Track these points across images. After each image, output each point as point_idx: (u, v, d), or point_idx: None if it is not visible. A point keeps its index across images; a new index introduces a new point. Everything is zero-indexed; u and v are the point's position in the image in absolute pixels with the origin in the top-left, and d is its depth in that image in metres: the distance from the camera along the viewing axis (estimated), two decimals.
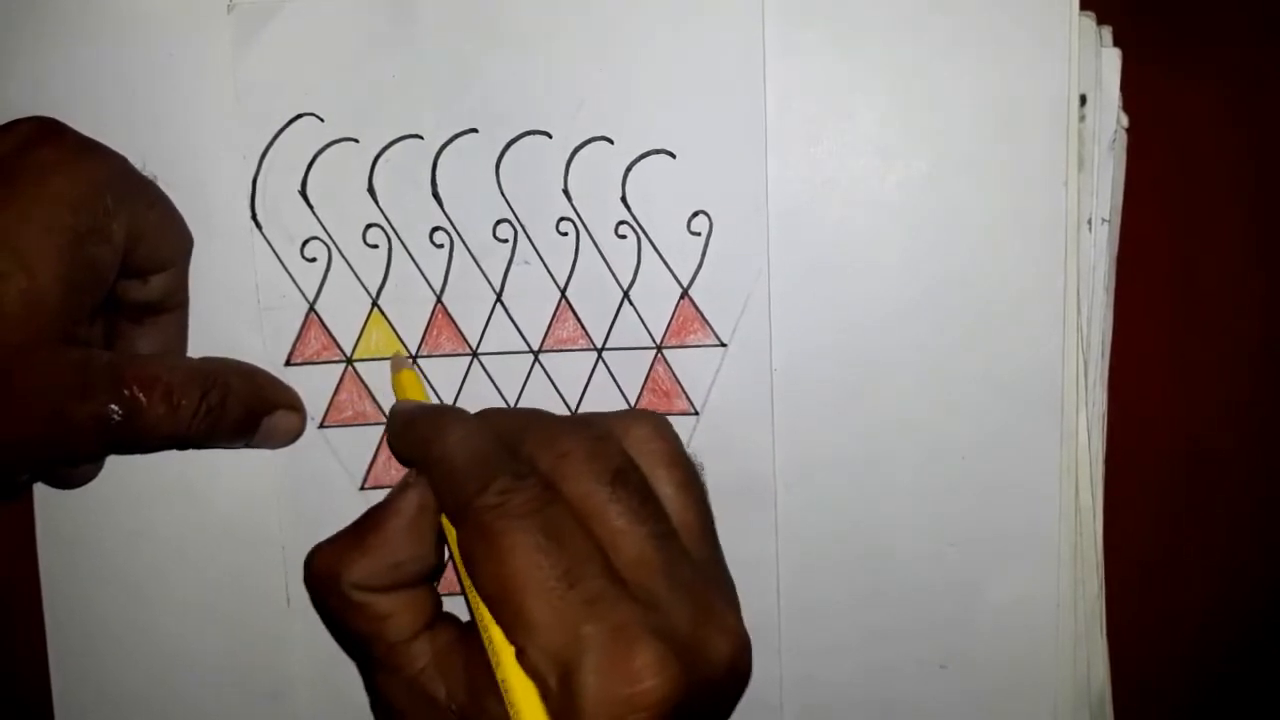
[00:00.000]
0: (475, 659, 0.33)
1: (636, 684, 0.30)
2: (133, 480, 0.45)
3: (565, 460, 0.34)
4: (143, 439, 0.39)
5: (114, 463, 0.44)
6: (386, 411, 0.44)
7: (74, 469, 0.44)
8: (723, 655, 0.33)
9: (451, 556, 0.35)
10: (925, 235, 0.43)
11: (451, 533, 0.34)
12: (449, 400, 0.44)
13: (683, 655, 0.31)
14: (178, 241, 0.42)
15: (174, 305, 0.43)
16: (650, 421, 0.36)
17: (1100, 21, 0.42)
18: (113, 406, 0.37)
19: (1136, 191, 0.43)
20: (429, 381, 0.44)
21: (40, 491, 0.45)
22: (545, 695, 0.31)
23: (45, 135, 0.39)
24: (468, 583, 0.33)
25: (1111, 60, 0.43)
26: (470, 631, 0.34)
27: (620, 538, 0.33)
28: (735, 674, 0.34)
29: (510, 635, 0.32)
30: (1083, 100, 0.42)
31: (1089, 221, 0.43)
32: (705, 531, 0.36)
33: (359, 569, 0.35)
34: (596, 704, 0.30)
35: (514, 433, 0.36)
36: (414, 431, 0.37)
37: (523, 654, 0.31)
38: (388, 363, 0.44)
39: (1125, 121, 0.43)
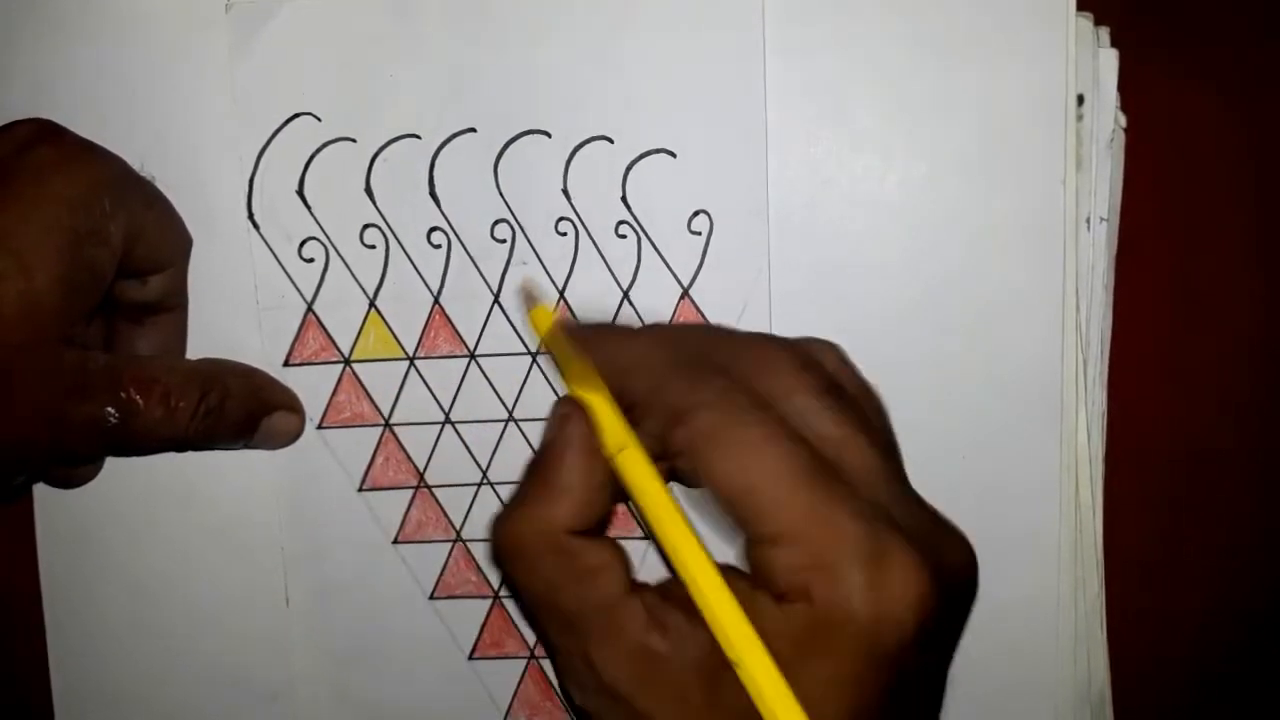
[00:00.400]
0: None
1: (905, 578, 0.29)
2: (132, 481, 0.45)
3: (773, 372, 0.32)
4: (140, 441, 0.39)
5: (114, 463, 0.44)
6: (376, 414, 0.44)
7: (73, 470, 0.43)
8: (960, 562, 0.32)
9: (627, 495, 0.33)
10: (924, 235, 0.43)
11: (626, 454, 0.32)
12: (445, 404, 0.44)
13: (930, 559, 0.30)
14: (176, 242, 0.42)
15: (173, 306, 0.43)
16: (835, 349, 0.35)
17: (1098, 22, 0.42)
18: (110, 409, 0.37)
19: (1135, 191, 0.43)
20: (426, 382, 0.44)
21: (40, 492, 0.45)
22: (795, 600, 0.29)
23: (43, 136, 0.38)
24: (656, 504, 0.31)
25: (1109, 60, 0.43)
26: (676, 589, 0.32)
27: (843, 449, 0.31)
28: (971, 583, 0.33)
29: (759, 531, 0.30)
30: (1080, 100, 0.42)
31: (1087, 220, 0.43)
32: (897, 454, 0.35)
33: (565, 511, 0.32)
34: (867, 603, 0.29)
35: (711, 343, 0.34)
36: (600, 337, 0.36)
37: (773, 548, 0.30)
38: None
39: (1123, 121, 0.43)
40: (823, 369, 0.33)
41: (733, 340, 0.35)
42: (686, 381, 0.32)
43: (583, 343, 0.35)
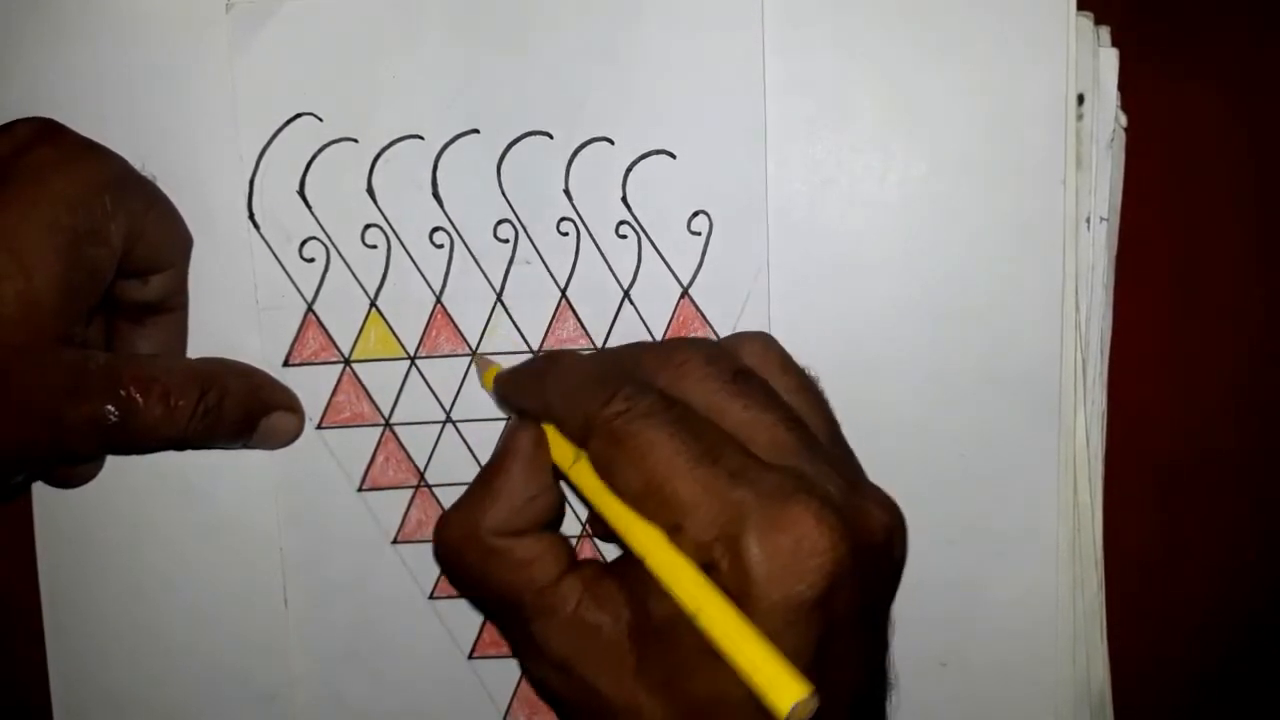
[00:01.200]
0: (630, 577, 0.33)
1: (802, 534, 0.30)
2: (131, 481, 0.45)
3: (683, 369, 0.34)
4: (140, 440, 0.39)
5: (113, 463, 0.44)
6: (376, 414, 0.44)
7: (73, 469, 0.43)
8: (880, 522, 0.33)
9: (579, 495, 0.35)
10: (924, 234, 0.43)
11: (577, 466, 0.34)
12: (446, 404, 0.44)
13: (841, 513, 0.31)
14: (177, 242, 0.42)
15: (174, 306, 0.43)
16: (760, 337, 0.37)
17: (1098, 21, 0.42)
18: (109, 408, 0.37)
19: (1135, 190, 0.43)
20: (427, 382, 0.44)
21: (39, 492, 0.45)
22: (712, 571, 0.31)
23: (44, 136, 0.38)
24: (603, 505, 0.33)
25: (1109, 60, 0.43)
26: (614, 567, 0.35)
27: (751, 428, 0.33)
28: (893, 547, 0.34)
29: (666, 523, 0.32)
30: (1080, 100, 0.42)
31: (1087, 220, 0.43)
32: (834, 432, 0.36)
33: (494, 514, 0.35)
34: (766, 564, 0.30)
35: (625, 358, 0.36)
36: (523, 375, 0.38)
37: (680, 533, 0.31)
38: (472, 367, 0.45)
39: (1124, 121, 0.43)
40: (730, 359, 0.35)
41: (648, 347, 0.37)
42: (596, 395, 0.34)
43: (517, 382, 0.39)
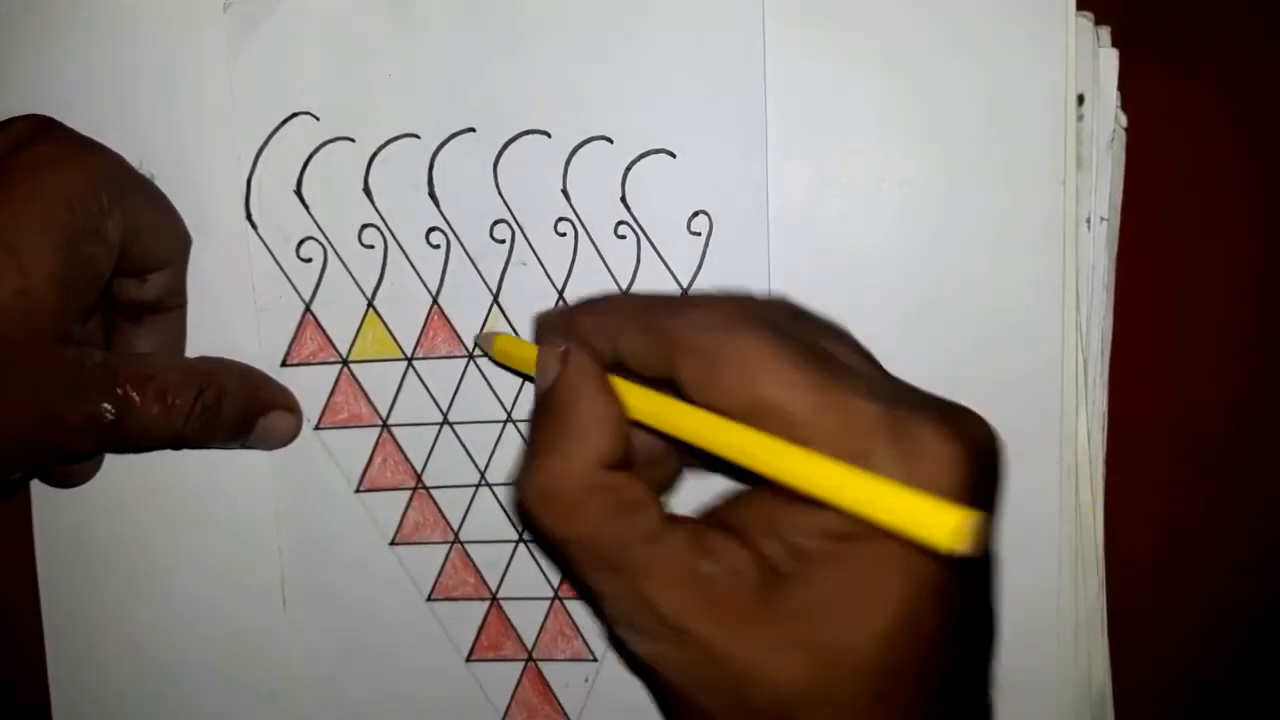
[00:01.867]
0: (742, 521, 0.31)
1: (935, 447, 0.29)
2: (130, 481, 0.45)
3: (747, 305, 0.33)
4: (136, 439, 0.38)
5: (111, 463, 0.44)
6: (374, 415, 0.44)
7: (72, 469, 0.43)
8: (984, 434, 0.31)
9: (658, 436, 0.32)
10: (924, 235, 0.43)
11: (643, 403, 0.32)
12: (444, 405, 0.44)
13: (954, 427, 0.30)
14: (175, 241, 0.42)
15: (172, 305, 0.43)
16: (783, 298, 0.36)
17: (1098, 22, 0.42)
18: (106, 406, 0.37)
19: (1135, 190, 0.43)
20: (424, 383, 0.44)
21: (39, 492, 0.45)
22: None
23: (41, 133, 0.38)
24: (700, 424, 0.31)
25: (1109, 60, 0.43)
26: (715, 517, 0.32)
27: (833, 349, 0.32)
28: (996, 454, 0.32)
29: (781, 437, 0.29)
30: (1081, 100, 0.42)
31: (1088, 220, 0.43)
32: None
33: (595, 446, 0.32)
34: (899, 478, 0.28)
35: (658, 297, 0.35)
36: (579, 311, 0.36)
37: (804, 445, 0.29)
38: (464, 356, 0.44)
39: (1124, 121, 0.43)
40: (783, 303, 0.34)
41: (701, 295, 0.36)
42: (674, 313, 0.32)
43: (567, 323, 0.36)
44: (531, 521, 0.33)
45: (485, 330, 0.44)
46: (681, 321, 0.31)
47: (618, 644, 0.34)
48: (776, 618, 0.30)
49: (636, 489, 0.32)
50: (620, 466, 0.32)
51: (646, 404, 0.32)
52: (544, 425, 0.33)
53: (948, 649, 0.31)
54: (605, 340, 0.34)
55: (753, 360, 0.30)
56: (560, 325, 0.37)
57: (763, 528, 0.31)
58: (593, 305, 0.36)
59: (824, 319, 0.35)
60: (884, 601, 0.29)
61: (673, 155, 0.43)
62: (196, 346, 0.44)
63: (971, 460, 0.29)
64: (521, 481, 0.33)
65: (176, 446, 0.40)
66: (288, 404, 0.44)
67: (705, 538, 0.31)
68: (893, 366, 0.43)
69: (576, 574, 0.33)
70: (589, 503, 0.31)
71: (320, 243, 0.44)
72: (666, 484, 0.38)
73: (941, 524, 0.27)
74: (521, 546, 0.45)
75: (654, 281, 0.43)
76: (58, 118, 0.40)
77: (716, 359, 0.30)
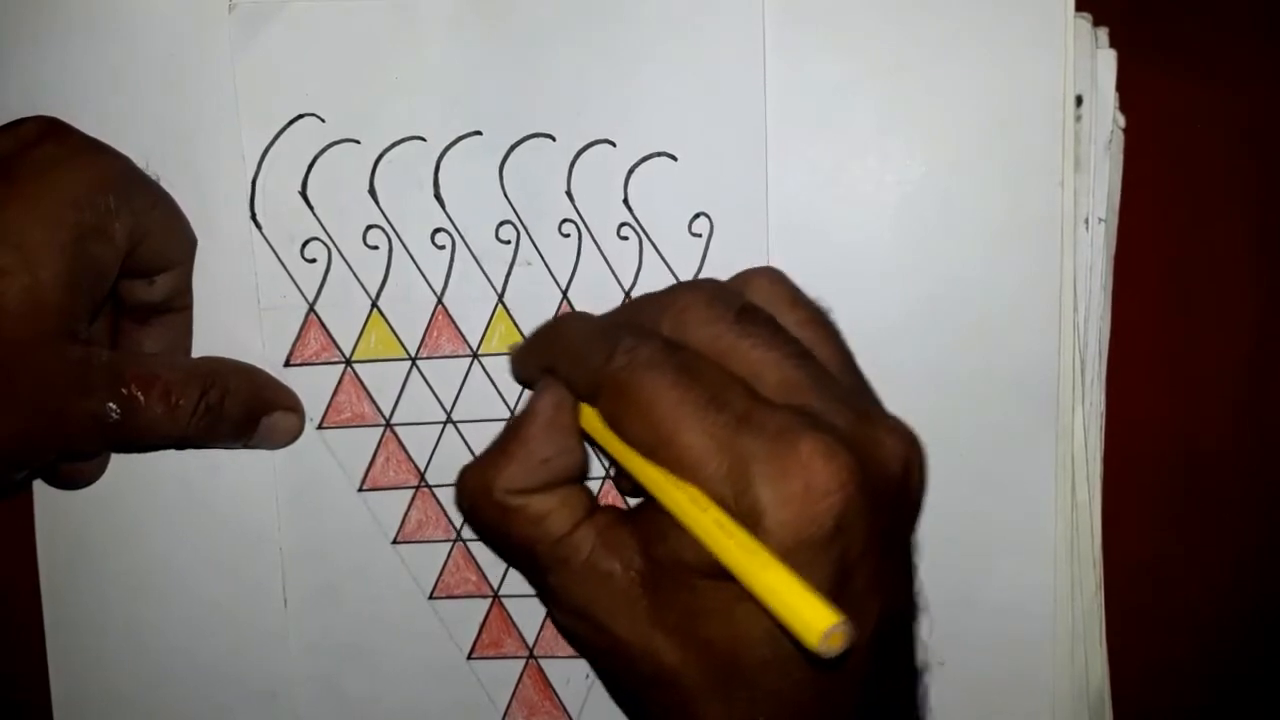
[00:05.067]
0: (643, 523, 0.33)
1: (810, 476, 0.30)
2: (132, 481, 0.45)
3: (686, 312, 0.34)
4: (141, 438, 0.39)
5: (114, 463, 0.44)
6: (377, 414, 0.45)
7: (78, 469, 0.43)
8: (895, 453, 0.32)
9: (598, 451, 0.35)
10: (923, 235, 0.43)
11: (594, 425, 0.34)
12: (447, 404, 0.44)
13: (851, 448, 0.30)
14: (181, 242, 0.42)
15: (179, 306, 0.43)
16: (767, 272, 0.37)
17: (1096, 22, 0.43)
18: (111, 405, 0.37)
19: (1134, 191, 0.44)
20: (428, 382, 0.44)
21: (40, 491, 0.45)
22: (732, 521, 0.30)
23: (49, 133, 0.39)
24: (622, 454, 0.33)
25: (1108, 61, 0.43)
26: (629, 514, 0.35)
27: (759, 367, 0.33)
28: (910, 477, 0.33)
29: (680, 475, 0.31)
30: (1079, 101, 0.42)
31: (1086, 221, 0.43)
32: (846, 362, 0.36)
33: (507, 474, 0.35)
34: (777, 510, 0.30)
35: (630, 310, 0.36)
36: (535, 342, 0.39)
37: (697, 486, 0.31)
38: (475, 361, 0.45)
39: (1122, 122, 0.43)
40: (733, 298, 0.35)
41: (656, 296, 0.36)
42: (599, 350, 0.33)
43: (527, 350, 0.39)
44: (459, 511, 0.37)
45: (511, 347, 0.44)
46: (601, 361, 0.33)
47: (549, 614, 0.39)
48: (660, 608, 0.33)
49: (542, 505, 0.35)
50: (545, 486, 0.35)
51: (589, 424, 0.35)
52: (496, 439, 0.36)
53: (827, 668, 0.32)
54: (550, 371, 0.36)
55: (651, 407, 0.31)
56: (519, 357, 0.40)
57: (657, 534, 0.32)
58: (540, 338, 0.39)
59: (792, 305, 0.36)
60: (754, 620, 0.31)
61: (674, 158, 0.43)
62: (201, 346, 0.44)
63: (852, 485, 0.30)
64: (458, 477, 0.36)
65: (180, 446, 0.41)
66: (291, 404, 0.44)
67: (612, 534, 0.34)
68: (891, 366, 0.43)
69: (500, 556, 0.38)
70: (493, 515, 0.35)
71: (325, 243, 0.44)
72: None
73: (810, 622, 0.28)
74: None
75: (656, 282, 0.43)
76: (64, 118, 0.40)
77: (624, 400, 0.32)
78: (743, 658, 0.32)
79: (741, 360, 0.33)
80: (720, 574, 0.30)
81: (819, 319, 0.36)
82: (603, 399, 0.33)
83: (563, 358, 0.35)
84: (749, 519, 0.30)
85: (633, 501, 0.39)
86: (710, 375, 0.32)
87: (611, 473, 0.44)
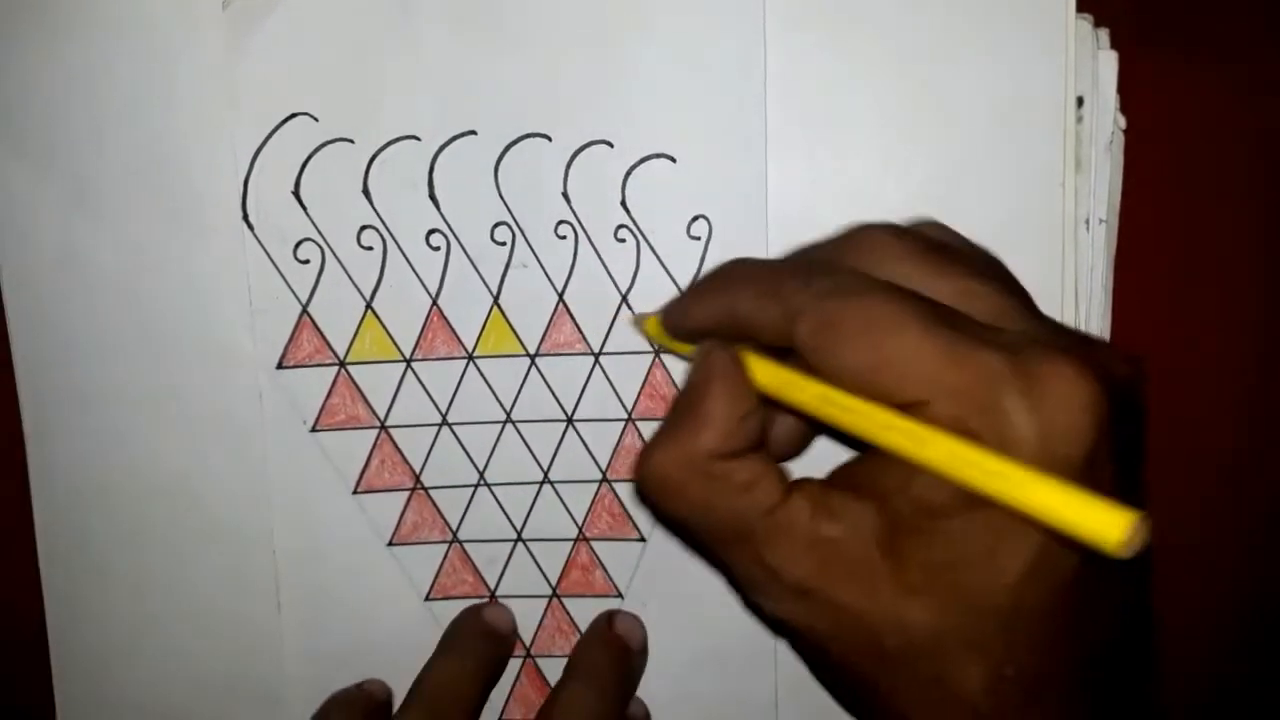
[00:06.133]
0: (863, 481, 0.31)
1: (1067, 392, 0.28)
2: (130, 484, 0.45)
3: (875, 249, 0.32)
4: None
5: (112, 464, 0.44)
6: (371, 416, 0.44)
7: None
8: (1124, 371, 0.30)
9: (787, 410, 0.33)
10: None
11: (772, 375, 0.32)
12: (443, 405, 0.44)
13: (1090, 365, 0.29)
14: None
15: None
16: (935, 223, 0.36)
17: (1097, 23, 0.42)
18: None
19: (1135, 192, 0.43)
20: (423, 384, 0.44)
21: (39, 492, 0.45)
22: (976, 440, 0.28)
23: None
24: (821, 401, 0.31)
25: (1109, 62, 0.42)
26: (839, 477, 0.33)
27: (965, 300, 0.31)
28: (1139, 387, 0.31)
29: (905, 400, 0.29)
30: (1080, 102, 0.42)
31: (1086, 222, 0.43)
32: (1031, 301, 0.34)
33: (709, 438, 0.32)
34: (1035, 428, 0.28)
35: (805, 251, 0.35)
36: (702, 287, 0.36)
37: (925, 410, 0.29)
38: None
39: (1123, 123, 0.43)
40: (920, 235, 0.33)
41: (826, 239, 0.35)
42: (794, 281, 0.31)
43: (694, 301, 0.36)
44: (647, 499, 0.34)
45: (639, 313, 0.43)
46: (798, 288, 0.31)
47: (752, 605, 0.35)
48: (904, 569, 0.30)
49: (749, 471, 0.32)
50: (746, 450, 0.33)
51: (771, 379, 0.33)
52: (672, 412, 0.34)
53: (1083, 599, 0.30)
54: (725, 311, 0.34)
55: (871, 323, 0.30)
56: (683, 305, 0.37)
57: (891, 485, 0.30)
58: (714, 279, 0.36)
59: (968, 247, 0.35)
60: (1015, 553, 0.29)
61: (673, 160, 0.43)
62: (192, 349, 0.44)
63: (1104, 400, 0.28)
64: (641, 461, 0.34)
65: None
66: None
67: (829, 500, 0.31)
68: None
69: (701, 547, 0.35)
70: (696, 487, 0.32)
71: (318, 244, 0.43)
72: (800, 447, 0.38)
73: (1109, 523, 0.26)
74: (520, 545, 0.45)
75: (653, 285, 0.43)
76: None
77: (837, 323, 0.30)
78: (1003, 605, 0.29)
79: (946, 293, 0.31)
80: (975, 505, 0.28)
81: (999, 261, 0.35)
82: (805, 326, 0.31)
83: (745, 294, 0.33)
84: (999, 435, 0.28)
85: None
86: (929, 301, 0.30)
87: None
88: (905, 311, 0.29)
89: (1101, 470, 0.29)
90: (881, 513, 0.31)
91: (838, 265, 0.32)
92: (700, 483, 0.32)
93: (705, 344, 0.34)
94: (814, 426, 0.37)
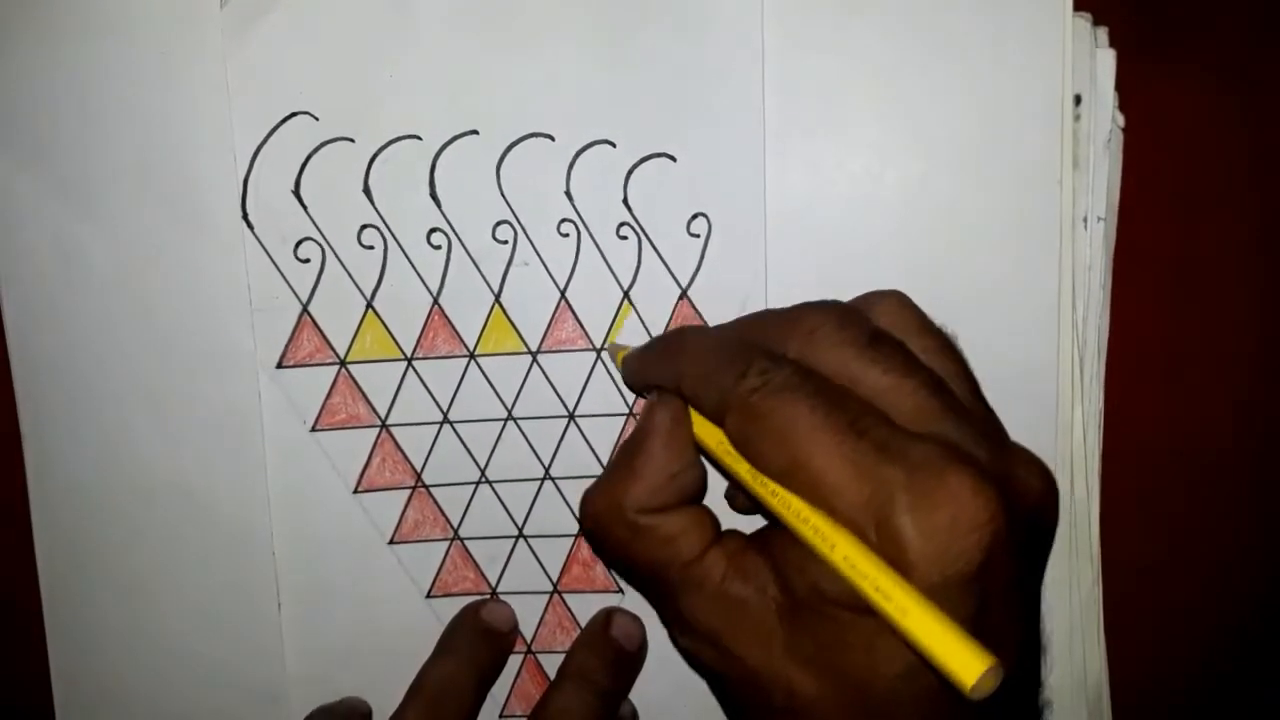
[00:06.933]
0: (776, 550, 0.33)
1: (959, 509, 0.29)
2: (130, 483, 0.44)
3: (815, 335, 0.33)
4: None
5: (111, 463, 0.44)
6: (372, 415, 0.44)
7: None
8: (1033, 487, 0.32)
9: (719, 467, 0.34)
10: (922, 235, 0.43)
11: (714, 437, 0.34)
12: (444, 404, 0.44)
13: (994, 480, 0.29)
14: None
15: None
16: (894, 295, 0.36)
17: (1096, 22, 0.42)
18: None
19: (1132, 190, 0.44)
20: (424, 383, 0.44)
21: (38, 492, 0.45)
22: (869, 547, 0.29)
23: None
24: (750, 477, 0.32)
25: (1107, 60, 0.43)
26: (758, 539, 0.34)
27: (892, 395, 0.32)
28: (1046, 514, 0.33)
29: (815, 502, 0.30)
30: (1078, 100, 0.42)
31: (1085, 220, 0.43)
32: (975, 393, 0.35)
33: (637, 492, 0.34)
34: (922, 543, 0.29)
35: (751, 328, 0.35)
36: (653, 353, 0.38)
37: (830, 512, 0.30)
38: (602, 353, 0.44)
39: (1121, 121, 0.43)
40: (864, 322, 0.34)
41: (774, 315, 0.36)
42: (728, 370, 0.33)
43: (646, 361, 0.39)
44: (585, 534, 0.37)
45: (614, 344, 0.44)
46: (733, 380, 0.32)
47: (670, 636, 0.37)
48: (798, 638, 0.32)
49: (673, 526, 0.34)
50: (675, 504, 0.35)
51: (712, 440, 0.34)
52: (617, 458, 0.36)
53: (959, 700, 0.31)
54: (670, 382, 0.36)
55: (788, 429, 0.31)
56: (636, 365, 0.40)
57: (797, 562, 0.32)
58: (663, 349, 0.38)
59: (918, 330, 0.35)
60: (893, 659, 0.30)
61: (673, 158, 0.43)
62: (192, 348, 0.44)
63: (999, 519, 0.29)
64: (582, 500, 0.37)
65: None
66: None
67: (743, 560, 0.34)
68: None
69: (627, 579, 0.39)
70: (621, 536, 0.35)
71: (318, 243, 0.43)
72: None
73: (966, 664, 0.27)
74: (521, 541, 0.45)
75: (655, 282, 0.43)
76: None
77: (758, 422, 0.31)
78: (880, 691, 0.31)
79: (874, 387, 0.32)
80: (863, 608, 0.29)
81: (948, 347, 0.35)
82: (733, 419, 0.32)
83: (689, 373, 0.35)
84: (890, 550, 0.29)
85: (740, 519, 0.38)
86: (848, 402, 0.31)
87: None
88: (818, 419, 0.30)
89: (991, 586, 0.30)
90: (786, 585, 0.32)
91: (778, 347, 0.33)
92: (626, 531, 0.35)
93: (653, 397, 0.36)
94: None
